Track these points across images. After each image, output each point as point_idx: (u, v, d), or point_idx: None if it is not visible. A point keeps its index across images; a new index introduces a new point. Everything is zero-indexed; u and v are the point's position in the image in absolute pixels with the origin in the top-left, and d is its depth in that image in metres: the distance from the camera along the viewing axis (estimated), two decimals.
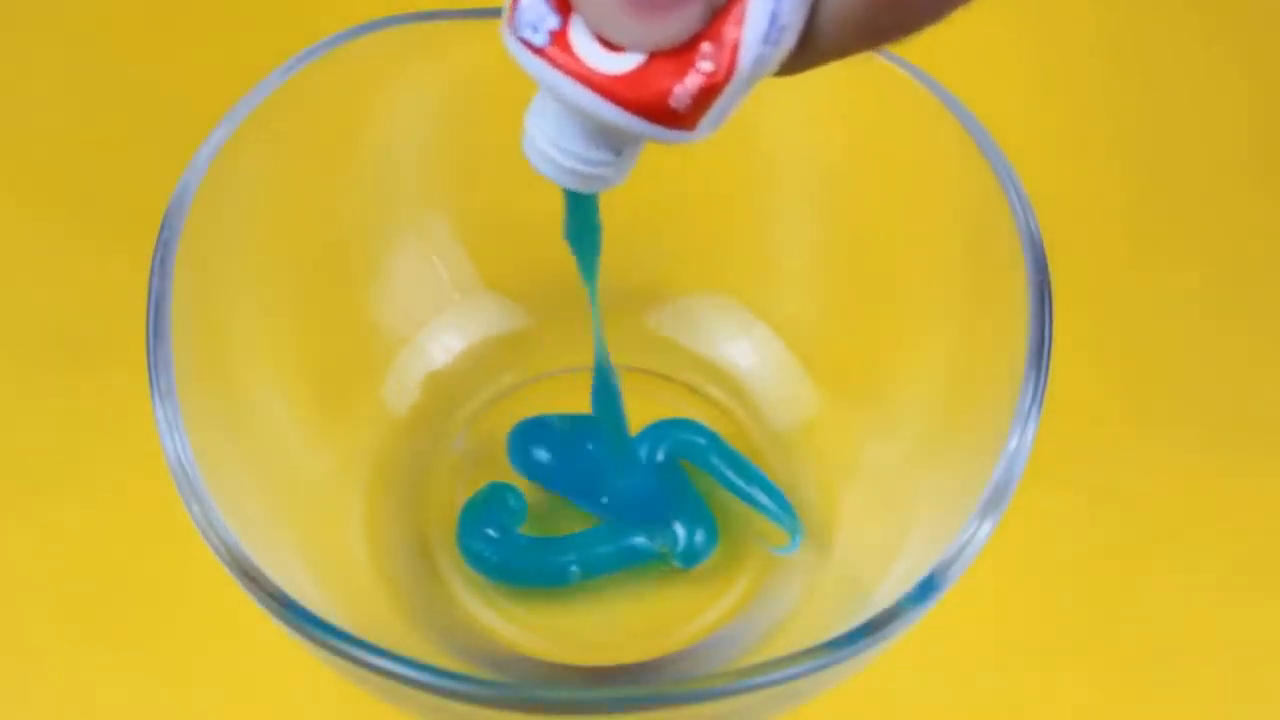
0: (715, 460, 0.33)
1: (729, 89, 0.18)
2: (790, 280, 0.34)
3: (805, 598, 0.30)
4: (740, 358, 0.35)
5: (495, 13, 0.30)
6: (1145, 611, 0.32)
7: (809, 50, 0.18)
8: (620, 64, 0.18)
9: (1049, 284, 0.25)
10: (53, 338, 0.36)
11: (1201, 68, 0.44)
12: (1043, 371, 0.24)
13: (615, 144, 0.21)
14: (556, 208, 0.34)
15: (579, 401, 0.33)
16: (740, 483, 0.32)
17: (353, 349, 0.33)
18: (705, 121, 0.19)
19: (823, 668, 0.21)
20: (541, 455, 0.32)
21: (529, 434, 0.33)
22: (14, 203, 0.39)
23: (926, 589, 0.22)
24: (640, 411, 0.33)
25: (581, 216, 0.25)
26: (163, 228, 0.26)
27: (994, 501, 0.23)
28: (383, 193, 0.33)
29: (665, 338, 0.35)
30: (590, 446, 0.33)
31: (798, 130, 0.31)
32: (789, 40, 0.18)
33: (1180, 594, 0.33)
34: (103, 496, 0.33)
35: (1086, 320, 0.36)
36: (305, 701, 0.30)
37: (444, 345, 0.34)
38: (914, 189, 0.31)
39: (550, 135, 0.21)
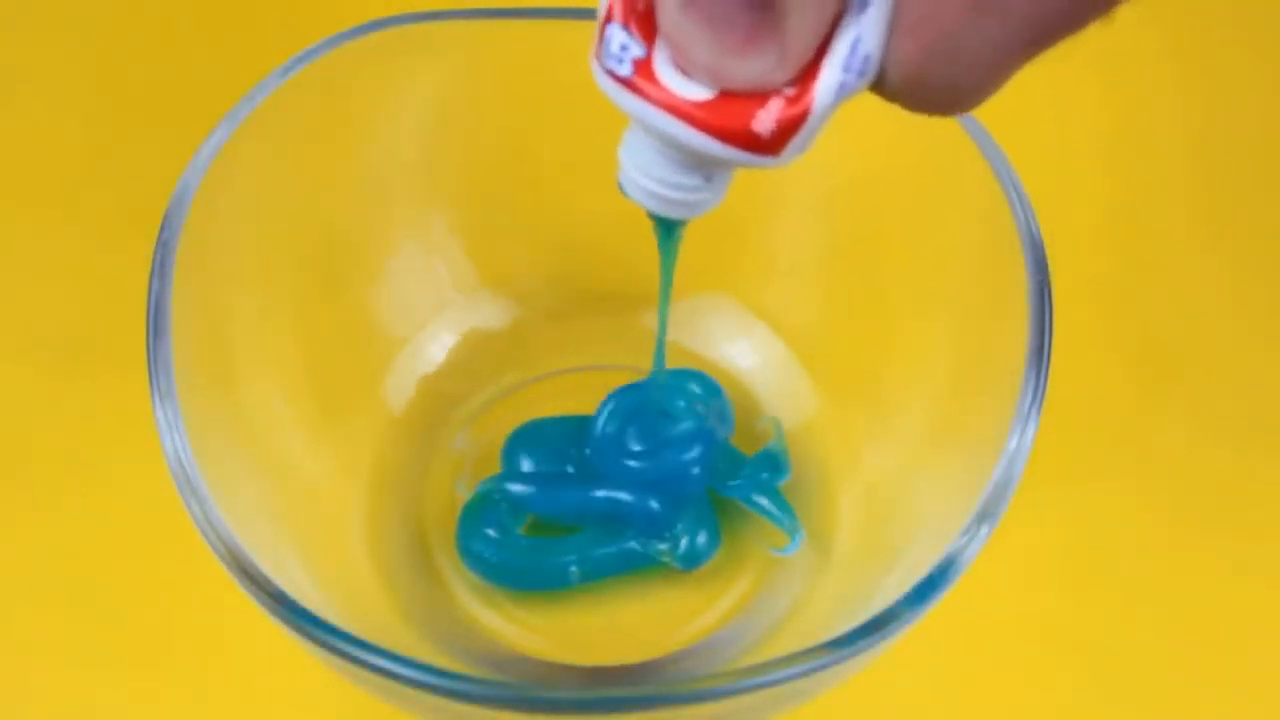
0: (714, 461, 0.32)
1: (813, 115, 0.18)
2: (790, 281, 0.34)
3: (805, 598, 0.30)
4: (740, 358, 0.35)
5: (495, 13, 0.30)
6: (1145, 611, 0.32)
7: (881, 88, 0.18)
8: (704, 90, 0.18)
9: (1049, 284, 0.25)
10: (53, 338, 0.36)
11: (1201, 68, 0.44)
12: (1043, 371, 0.24)
13: (705, 170, 0.21)
14: (555, 209, 0.34)
15: (578, 402, 0.33)
16: (739, 483, 0.32)
17: (352, 349, 0.33)
18: (790, 147, 0.19)
19: (823, 668, 0.21)
20: (526, 489, 0.32)
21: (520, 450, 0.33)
22: (14, 202, 0.39)
23: (926, 589, 0.22)
24: None
25: (670, 242, 0.25)
26: (163, 228, 0.26)
27: (994, 502, 0.23)
28: (383, 193, 0.33)
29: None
30: (588, 451, 0.33)
31: None
32: (871, 69, 0.18)
33: (1181, 594, 0.33)
34: (103, 496, 0.33)
35: (1086, 320, 0.36)
36: (305, 701, 0.30)
37: (444, 345, 0.34)
38: (914, 190, 0.31)
39: (642, 165, 0.21)
